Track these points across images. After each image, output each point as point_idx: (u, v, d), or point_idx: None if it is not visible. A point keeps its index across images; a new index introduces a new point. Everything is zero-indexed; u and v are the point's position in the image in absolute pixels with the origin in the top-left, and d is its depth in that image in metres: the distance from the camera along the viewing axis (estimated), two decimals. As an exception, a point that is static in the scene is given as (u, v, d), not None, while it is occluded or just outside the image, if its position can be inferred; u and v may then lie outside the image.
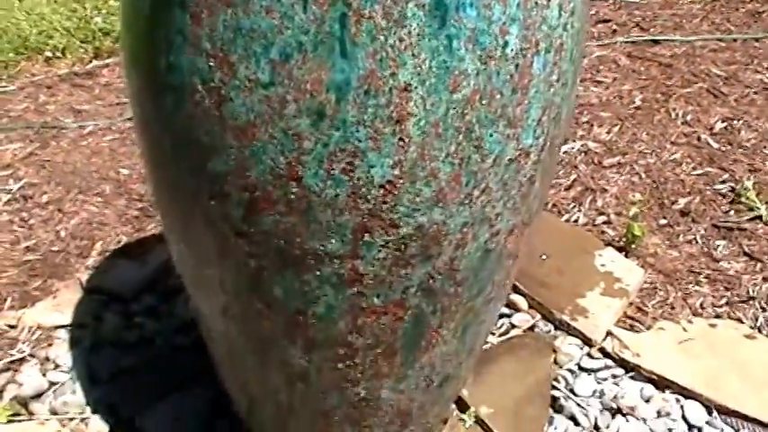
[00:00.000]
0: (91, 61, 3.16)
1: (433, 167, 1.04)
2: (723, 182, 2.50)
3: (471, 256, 1.17)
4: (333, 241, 1.09)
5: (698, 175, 2.53)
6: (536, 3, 1.03)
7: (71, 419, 1.71)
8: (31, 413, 1.72)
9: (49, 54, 3.16)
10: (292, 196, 1.05)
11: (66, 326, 1.92)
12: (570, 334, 1.94)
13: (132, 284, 2.02)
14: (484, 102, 1.03)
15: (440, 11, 0.96)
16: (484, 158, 1.07)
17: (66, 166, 2.47)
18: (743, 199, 2.40)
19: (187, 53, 1.03)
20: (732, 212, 2.38)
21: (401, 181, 1.04)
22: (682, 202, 2.42)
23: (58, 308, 1.96)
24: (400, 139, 1.01)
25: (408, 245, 1.11)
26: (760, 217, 2.35)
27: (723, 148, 2.65)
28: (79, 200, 2.33)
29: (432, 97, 1.00)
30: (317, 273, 1.12)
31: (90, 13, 3.40)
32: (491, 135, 1.06)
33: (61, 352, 1.85)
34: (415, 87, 0.99)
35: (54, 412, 1.72)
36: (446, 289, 1.19)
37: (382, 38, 0.96)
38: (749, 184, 2.42)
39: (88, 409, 1.73)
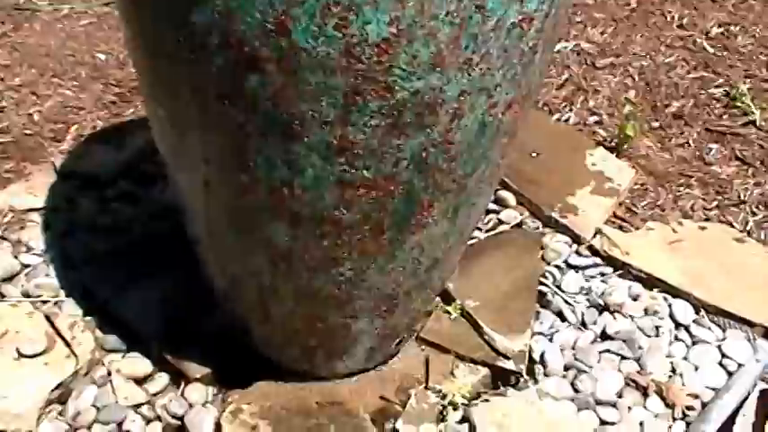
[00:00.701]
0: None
1: (431, 26, 0.97)
2: (718, 86, 2.44)
3: (467, 129, 1.11)
4: (323, 105, 1.02)
5: (692, 78, 2.47)
6: None
7: (44, 302, 1.65)
8: (2, 295, 1.66)
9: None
10: (281, 54, 0.98)
11: (40, 209, 1.85)
12: (559, 231, 1.90)
13: (108, 169, 1.94)
14: (489, -45, 0.96)
15: None
16: (485, 20, 1.00)
17: (40, 48, 2.37)
18: (737, 103, 2.35)
19: None
20: (726, 117, 2.33)
21: (398, 40, 0.97)
22: (675, 105, 2.36)
23: (30, 191, 1.89)
24: (398, -8, 0.94)
25: (402, 112, 1.04)
26: (754, 122, 2.30)
27: (719, 53, 2.58)
28: (54, 83, 2.23)
29: (434, -53, 0.92)
30: (305, 140, 1.06)
31: None
32: (495, -6, 0.99)
33: (34, 235, 1.79)
34: (417, -66, 0.91)
35: (27, 294, 1.67)
36: (439, 164, 1.13)
37: None
38: (744, 88, 2.37)
39: (62, 292, 1.68)
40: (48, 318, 1.61)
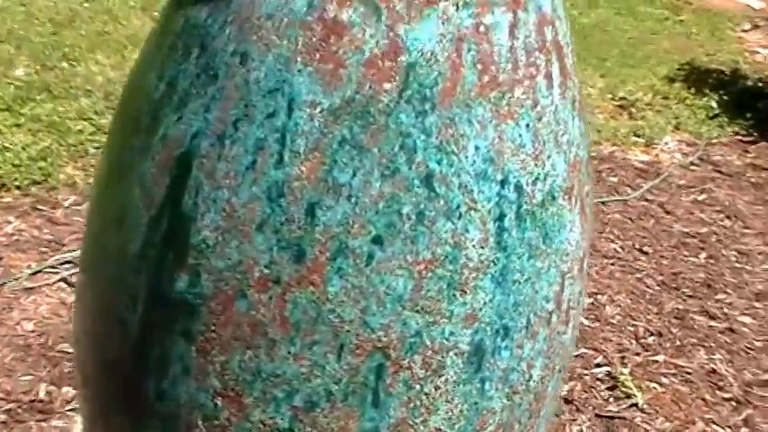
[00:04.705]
0: None
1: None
2: (599, 365, 2.55)
3: None
4: None
5: (575, 356, 2.58)
6: (558, 332, 1.00)
7: None
8: None
9: None
10: None
11: None
12: None
13: None
14: (504, 434, 0.99)
15: (477, 356, 0.92)
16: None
17: None
18: (619, 385, 2.47)
19: (187, 385, 0.92)
20: (612, 400, 2.43)
21: None
22: (565, 388, 2.45)
23: None
24: (424, 479, 0.94)
25: None
26: (636, 404, 2.41)
27: (593, 326, 2.73)
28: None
29: (459, 439, 0.94)
30: None
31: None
32: (504, 461, 1.01)
33: None
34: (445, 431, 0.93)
35: None
36: None
37: (418, 387, 0.90)
38: (625, 370, 2.49)
39: None
40: None
